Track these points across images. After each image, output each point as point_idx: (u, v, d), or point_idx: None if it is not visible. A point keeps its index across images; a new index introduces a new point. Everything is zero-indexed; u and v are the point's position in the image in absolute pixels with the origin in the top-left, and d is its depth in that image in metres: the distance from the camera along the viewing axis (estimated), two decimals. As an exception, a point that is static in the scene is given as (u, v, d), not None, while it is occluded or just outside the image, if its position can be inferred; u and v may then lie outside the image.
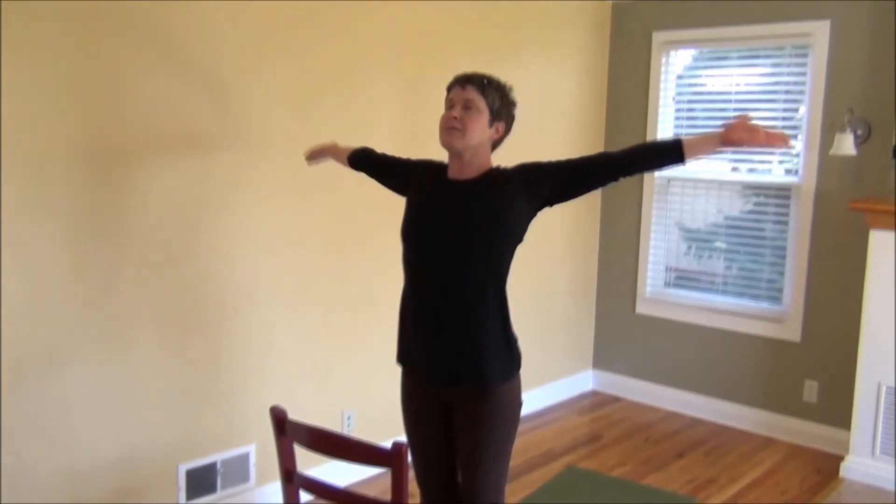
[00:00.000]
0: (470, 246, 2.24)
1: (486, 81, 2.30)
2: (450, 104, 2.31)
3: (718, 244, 4.84)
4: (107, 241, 2.85)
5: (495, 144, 2.37)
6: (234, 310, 3.27)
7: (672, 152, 2.24)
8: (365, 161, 2.77)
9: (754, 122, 2.17)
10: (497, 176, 2.32)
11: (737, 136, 2.16)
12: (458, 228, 2.25)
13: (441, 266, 2.27)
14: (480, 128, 2.28)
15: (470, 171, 2.32)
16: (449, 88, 2.35)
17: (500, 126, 2.33)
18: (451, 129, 2.26)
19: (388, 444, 1.91)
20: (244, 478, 3.35)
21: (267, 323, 3.39)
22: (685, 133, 4.88)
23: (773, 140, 2.17)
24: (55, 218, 2.70)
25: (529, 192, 2.28)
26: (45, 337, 2.72)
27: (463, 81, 2.31)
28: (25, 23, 2.55)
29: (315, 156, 3.02)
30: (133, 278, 2.94)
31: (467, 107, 2.27)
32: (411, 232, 2.36)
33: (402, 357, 2.46)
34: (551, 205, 2.34)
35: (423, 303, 2.34)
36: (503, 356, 2.33)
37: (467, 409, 2.32)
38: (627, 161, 2.29)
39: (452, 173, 2.35)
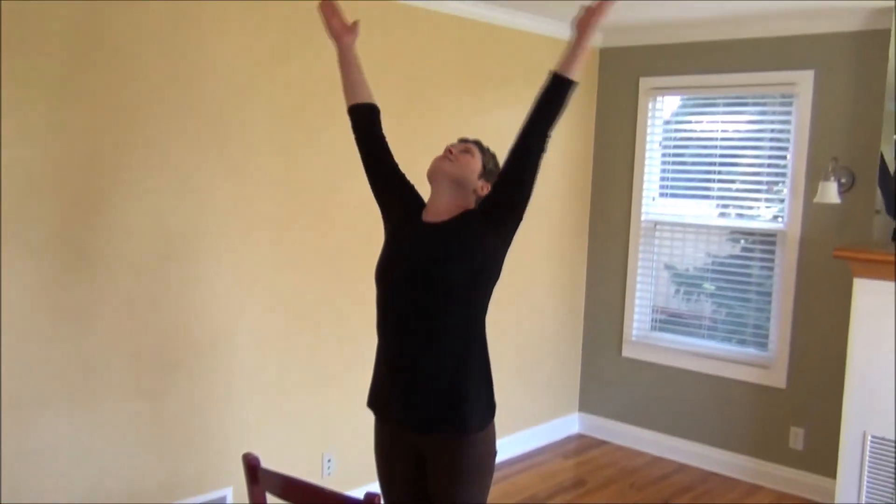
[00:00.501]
0: (443, 291, 2.23)
1: (487, 148, 2.43)
2: (451, 145, 2.41)
3: (706, 286, 4.85)
4: (82, 281, 2.83)
5: (478, 202, 2.37)
6: (212, 351, 3.24)
7: (555, 83, 2.24)
8: (370, 123, 2.50)
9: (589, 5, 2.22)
10: (468, 215, 2.33)
11: (586, 26, 2.22)
12: (430, 274, 2.24)
13: (415, 311, 2.27)
14: (471, 167, 2.35)
15: (446, 212, 2.32)
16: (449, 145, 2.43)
17: (486, 186, 2.35)
18: (444, 157, 2.36)
19: (360, 495, 1.89)
20: (220, 522, 3.30)
21: (246, 365, 3.37)
22: (672, 180, 4.91)
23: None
24: (27, 257, 2.68)
25: (491, 219, 2.26)
26: (16, 379, 2.68)
27: (465, 139, 2.45)
28: (25, 71, 2.57)
29: (329, 16, 2.51)
30: (108, 319, 2.91)
31: (464, 150, 2.38)
32: (385, 275, 2.35)
33: (374, 402, 2.44)
34: (518, 214, 2.27)
35: (397, 347, 2.33)
36: (479, 403, 2.30)
37: (441, 459, 2.29)
38: (532, 123, 2.26)
39: (428, 215, 2.36)
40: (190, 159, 3.09)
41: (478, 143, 2.43)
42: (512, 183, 2.25)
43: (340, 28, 2.53)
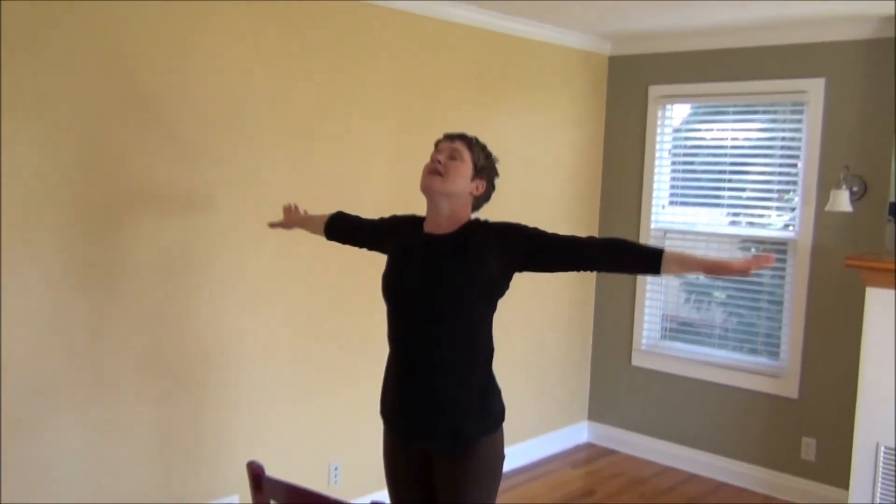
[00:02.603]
0: (445, 304, 2.23)
1: (474, 140, 2.34)
2: (436, 150, 2.35)
3: (717, 294, 4.81)
4: (94, 291, 2.83)
5: (476, 203, 2.36)
6: (220, 360, 3.24)
7: (650, 264, 2.20)
8: (341, 230, 2.75)
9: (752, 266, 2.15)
10: (475, 230, 2.30)
11: (729, 272, 2.17)
12: (432, 287, 2.24)
13: (418, 324, 2.27)
14: (462, 176, 2.29)
15: (447, 225, 2.31)
16: (437, 143, 2.37)
17: (481, 184, 2.32)
18: (432, 172, 2.29)
19: (366, 501, 1.88)
20: (227, 530, 3.29)
21: (254, 374, 3.36)
22: (682, 188, 4.89)
23: (760, 265, 2.15)
24: (40, 266, 2.69)
25: (506, 255, 2.25)
26: (26, 388, 2.69)
27: (451, 136, 2.36)
28: (27, 73, 2.58)
29: (280, 226, 3.00)
30: (119, 330, 2.92)
31: (452, 156, 2.30)
32: (388, 290, 2.35)
33: (383, 410, 2.44)
34: (523, 271, 2.30)
35: (402, 360, 2.33)
36: (484, 413, 2.30)
37: (447, 464, 2.30)
38: (602, 259, 2.27)
39: (429, 227, 2.34)
40: (197, 169, 3.09)
41: (463, 139, 2.34)
42: (542, 263, 2.28)
43: (288, 224, 3.00)
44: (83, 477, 2.86)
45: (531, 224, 2.31)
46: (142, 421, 3.01)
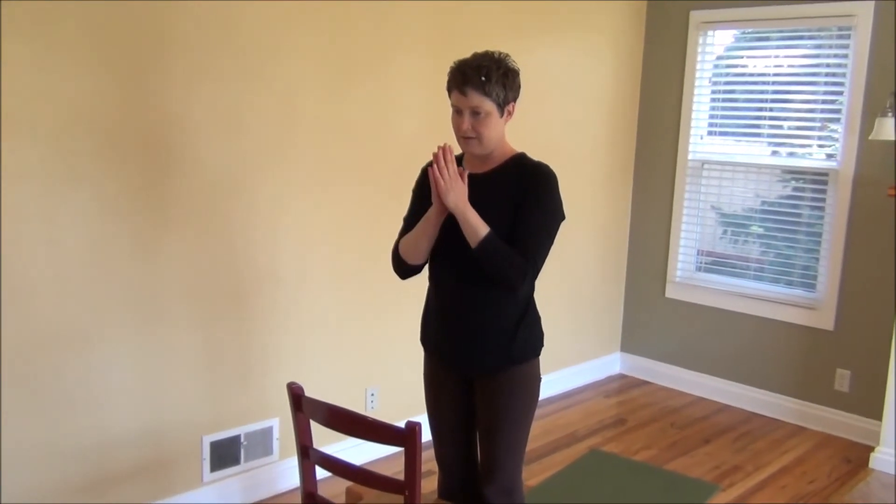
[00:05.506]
0: None
1: (483, 79, 2.15)
2: (456, 109, 2.24)
3: (754, 228, 4.76)
4: (137, 215, 2.88)
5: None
6: (262, 287, 3.30)
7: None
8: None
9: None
10: (518, 169, 2.28)
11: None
12: None
13: (459, 259, 2.28)
14: (495, 128, 2.24)
15: (489, 163, 2.31)
16: (449, 90, 2.24)
17: (512, 106, 2.26)
18: (467, 139, 2.25)
19: (402, 424, 1.93)
20: (267, 451, 3.39)
21: (294, 300, 3.42)
22: (721, 118, 4.79)
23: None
24: (84, 188, 2.73)
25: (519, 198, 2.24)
26: (75, 310, 2.77)
27: (462, 86, 2.18)
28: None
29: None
30: (163, 254, 2.97)
31: (475, 112, 2.20)
32: None
33: (424, 339, 2.51)
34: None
35: (445, 292, 2.37)
36: (523, 340, 2.35)
37: (486, 385, 2.36)
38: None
39: (471, 167, 2.34)
40: (235, 95, 3.09)
41: (476, 86, 2.15)
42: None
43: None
44: (127, 398, 2.95)
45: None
46: (187, 344, 3.09)
